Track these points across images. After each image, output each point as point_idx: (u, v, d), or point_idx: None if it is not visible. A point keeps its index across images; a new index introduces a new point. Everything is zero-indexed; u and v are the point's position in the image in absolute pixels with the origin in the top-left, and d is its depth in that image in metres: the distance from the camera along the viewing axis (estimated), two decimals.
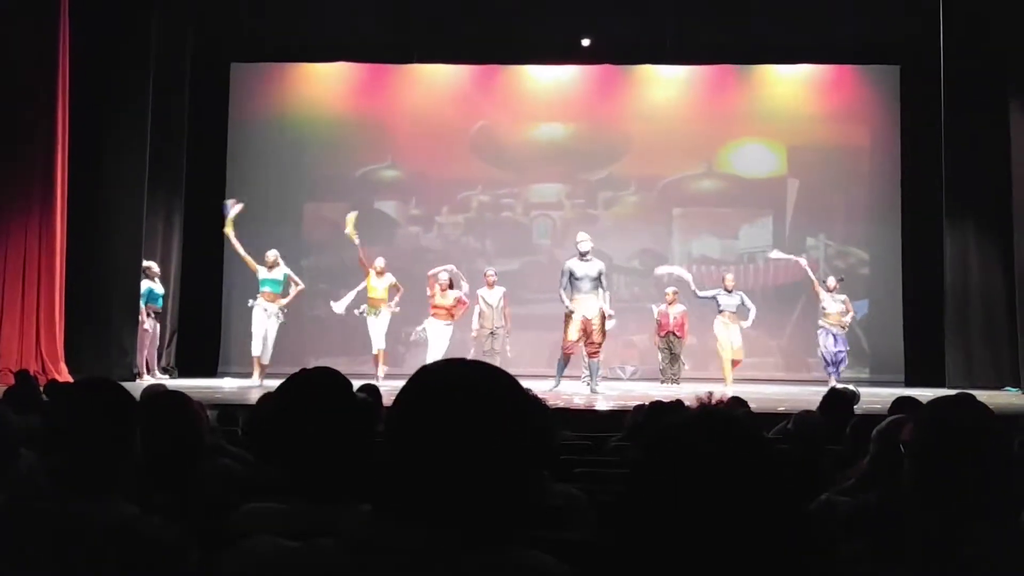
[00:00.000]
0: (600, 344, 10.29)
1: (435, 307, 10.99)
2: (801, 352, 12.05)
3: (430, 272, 11.18)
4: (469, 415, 1.24)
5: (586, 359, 10.66)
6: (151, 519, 1.94)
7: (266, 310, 10.72)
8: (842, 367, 11.28)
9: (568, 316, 10.17)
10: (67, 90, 10.13)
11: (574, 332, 10.14)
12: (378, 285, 11.01)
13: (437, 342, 10.85)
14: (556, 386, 10.18)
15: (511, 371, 1.31)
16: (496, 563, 1.23)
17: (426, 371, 1.31)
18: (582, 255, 10.19)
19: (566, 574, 1.25)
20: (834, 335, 11.26)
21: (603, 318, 10.25)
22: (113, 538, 1.88)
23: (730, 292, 11.40)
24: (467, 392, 1.26)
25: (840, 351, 11.29)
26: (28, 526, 1.90)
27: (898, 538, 1.97)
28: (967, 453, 1.91)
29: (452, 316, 10.99)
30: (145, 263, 11.23)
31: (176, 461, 2.80)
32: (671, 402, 4.77)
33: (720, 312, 11.35)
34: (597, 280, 10.19)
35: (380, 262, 11.04)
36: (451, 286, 11.03)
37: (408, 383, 1.30)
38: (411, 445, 1.25)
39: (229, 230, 10.88)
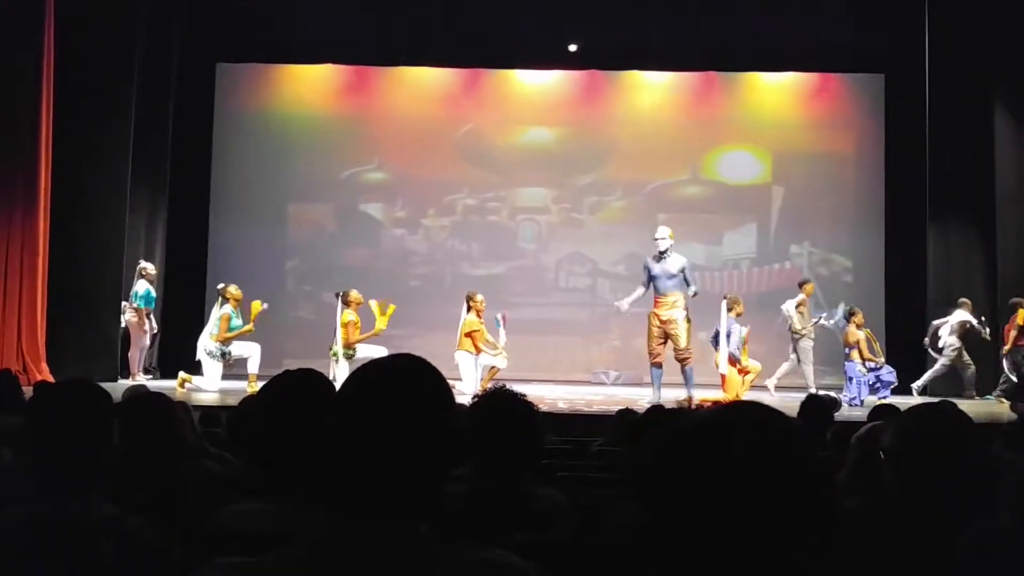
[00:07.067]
0: (688, 349, 9.36)
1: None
2: (783, 359, 11.99)
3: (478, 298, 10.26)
4: (411, 405, 1.28)
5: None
6: (133, 519, 1.93)
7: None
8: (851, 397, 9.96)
9: (648, 319, 9.32)
10: (51, 89, 10.09)
11: (652, 337, 9.31)
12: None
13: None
14: (657, 398, 9.04)
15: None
16: (461, 559, 1.24)
17: (364, 369, 1.35)
18: (660, 253, 9.37)
19: (529, 571, 1.26)
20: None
21: (687, 320, 9.36)
22: (94, 537, 1.87)
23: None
24: (407, 384, 1.30)
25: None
26: (6, 525, 1.89)
27: (879, 543, 1.98)
28: (945, 459, 1.93)
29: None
30: (141, 264, 11.19)
31: (157, 462, 2.79)
32: (673, 408, 4.66)
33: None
34: (678, 277, 9.37)
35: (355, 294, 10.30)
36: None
37: (348, 380, 1.33)
38: (361, 438, 1.26)
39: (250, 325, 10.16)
